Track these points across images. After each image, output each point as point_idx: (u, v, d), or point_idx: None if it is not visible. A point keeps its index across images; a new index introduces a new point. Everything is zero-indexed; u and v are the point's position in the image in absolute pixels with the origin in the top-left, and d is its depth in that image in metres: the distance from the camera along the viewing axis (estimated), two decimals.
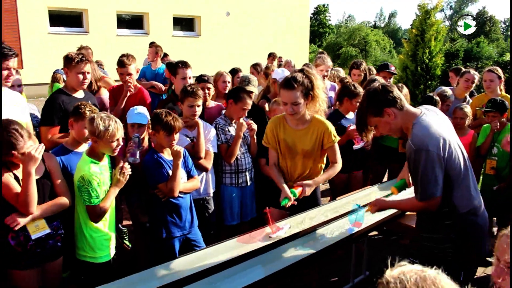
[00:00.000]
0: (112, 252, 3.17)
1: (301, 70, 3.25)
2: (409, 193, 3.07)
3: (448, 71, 7.48)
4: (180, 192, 3.33)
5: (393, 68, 6.21)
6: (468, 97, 5.84)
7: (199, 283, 2.55)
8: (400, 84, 4.94)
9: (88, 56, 6.49)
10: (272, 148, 3.44)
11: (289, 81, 3.17)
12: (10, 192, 2.69)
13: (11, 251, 2.75)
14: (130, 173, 3.11)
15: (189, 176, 3.52)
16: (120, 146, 3.05)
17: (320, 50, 8.87)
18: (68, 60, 3.85)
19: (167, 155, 3.38)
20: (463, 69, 6.34)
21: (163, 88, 6.49)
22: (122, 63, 4.64)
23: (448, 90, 5.42)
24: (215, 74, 5.24)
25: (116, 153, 3.07)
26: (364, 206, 3.27)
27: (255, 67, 6.91)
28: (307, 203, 3.44)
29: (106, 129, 2.92)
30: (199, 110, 3.84)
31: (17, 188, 2.70)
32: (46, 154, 2.95)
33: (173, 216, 3.34)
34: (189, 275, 2.57)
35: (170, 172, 3.31)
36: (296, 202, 3.20)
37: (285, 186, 3.23)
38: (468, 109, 4.83)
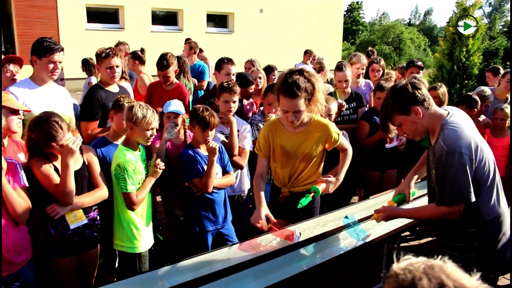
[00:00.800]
0: (149, 243, 3.24)
1: (301, 73, 2.91)
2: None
3: (485, 71, 7.26)
4: (214, 188, 3.36)
5: (419, 63, 6.12)
6: (510, 98, 5.66)
7: (229, 278, 2.56)
8: (439, 84, 4.84)
9: (125, 50, 6.66)
10: (263, 156, 3.16)
11: (291, 88, 2.83)
12: (50, 182, 2.77)
13: (51, 239, 2.85)
14: (164, 167, 3.17)
15: (225, 172, 3.54)
16: (153, 137, 3.12)
17: (370, 48, 8.70)
18: (97, 56, 3.98)
19: (203, 150, 3.41)
20: (501, 69, 6.14)
21: (197, 83, 6.63)
22: (162, 67, 4.71)
23: (487, 90, 5.27)
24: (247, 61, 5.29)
25: (149, 143, 3.14)
26: (366, 217, 3.03)
27: (251, 63, 6.84)
28: (304, 211, 3.15)
29: (144, 116, 2.99)
30: (234, 106, 3.85)
31: (57, 179, 2.78)
32: (84, 147, 3.04)
33: (207, 211, 3.38)
34: (220, 270, 2.59)
35: (206, 168, 3.33)
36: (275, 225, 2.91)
37: (263, 201, 2.94)
38: (508, 110, 4.69)
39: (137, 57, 6.00)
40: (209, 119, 3.32)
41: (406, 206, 3.11)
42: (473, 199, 2.39)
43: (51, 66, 3.42)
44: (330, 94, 4.78)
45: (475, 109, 4.75)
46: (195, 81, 6.65)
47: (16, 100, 3.11)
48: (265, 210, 2.90)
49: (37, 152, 2.79)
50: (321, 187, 3.00)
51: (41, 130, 2.71)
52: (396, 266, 1.18)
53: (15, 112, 2.95)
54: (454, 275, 1.11)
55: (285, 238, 2.89)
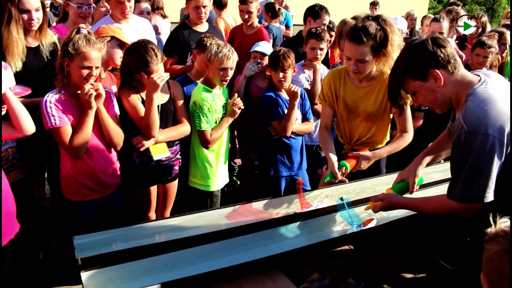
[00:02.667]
0: (222, 183, 3.32)
1: (376, 19, 2.60)
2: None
3: None
4: (292, 133, 3.36)
5: None
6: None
7: (300, 224, 2.57)
8: None
9: None
10: (327, 106, 2.93)
11: (357, 32, 2.53)
12: (136, 114, 2.83)
13: (135, 169, 2.97)
14: (243, 107, 3.18)
15: (305, 119, 3.53)
16: (229, 78, 3.10)
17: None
18: None
19: (285, 94, 3.39)
20: None
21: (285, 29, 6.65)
22: (244, 0, 4.68)
23: None
24: (339, 22, 5.15)
25: (224, 84, 3.13)
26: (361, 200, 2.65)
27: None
28: (369, 171, 2.87)
29: (216, 54, 2.98)
30: (321, 54, 3.78)
31: (143, 111, 2.84)
32: (172, 82, 3.11)
33: (282, 155, 3.39)
34: (291, 215, 2.60)
35: (286, 111, 3.32)
36: (346, 180, 2.73)
37: (332, 156, 2.74)
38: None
39: (216, 0, 5.95)
40: (280, 59, 3.27)
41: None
42: (490, 198, 1.87)
43: (120, 6, 3.48)
44: None
45: None
46: (283, 27, 6.63)
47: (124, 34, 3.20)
48: (336, 166, 2.70)
49: (128, 81, 2.86)
50: (350, 163, 2.69)
51: (137, 53, 2.76)
52: (496, 228, 1.11)
53: (121, 45, 3.05)
54: None
55: (301, 204, 2.69)
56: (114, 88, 3.10)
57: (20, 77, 2.57)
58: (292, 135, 3.37)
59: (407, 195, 2.38)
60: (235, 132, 4.21)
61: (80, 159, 2.60)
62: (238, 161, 4.56)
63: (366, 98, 2.80)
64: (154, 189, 3.09)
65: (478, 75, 2.02)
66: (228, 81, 3.13)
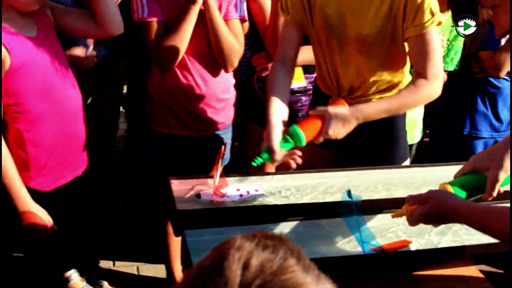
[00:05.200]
0: None
1: None
2: None
3: None
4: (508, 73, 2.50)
5: None
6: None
7: None
8: None
9: None
10: (290, 22, 1.83)
11: None
12: (263, 19, 2.25)
13: (253, 97, 2.39)
14: None
15: None
16: None
17: None
18: None
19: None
20: None
21: None
22: None
23: None
24: None
25: None
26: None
27: None
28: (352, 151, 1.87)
29: None
30: None
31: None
32: None
33: (486, 106, 2.58)
34: None
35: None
36: (300, 161, 1.64)
37: (273, 115, 1.66)
38: None
39: None
40: None
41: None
42: None
43: None
44: None
45: None
46: None
47: None
48: (276, 135, 1.59)
49: None
50: (309, 128, 1.63)
51: None
52: None
53: None
54: None
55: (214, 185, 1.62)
56: None
57: None
58: (505, 76, 2.48)
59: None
60: None
61: (169, 71, 2.08)
62: None
63: (362, 11, 1.73)
64: None
65: None
66: None
